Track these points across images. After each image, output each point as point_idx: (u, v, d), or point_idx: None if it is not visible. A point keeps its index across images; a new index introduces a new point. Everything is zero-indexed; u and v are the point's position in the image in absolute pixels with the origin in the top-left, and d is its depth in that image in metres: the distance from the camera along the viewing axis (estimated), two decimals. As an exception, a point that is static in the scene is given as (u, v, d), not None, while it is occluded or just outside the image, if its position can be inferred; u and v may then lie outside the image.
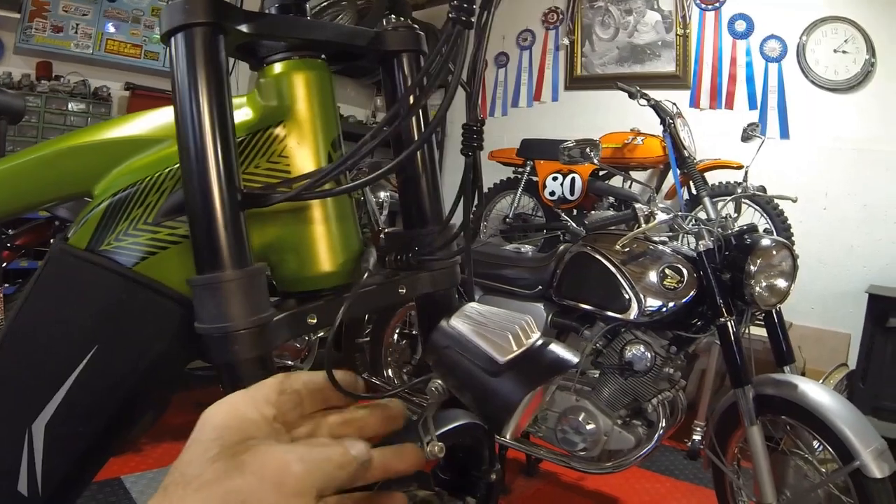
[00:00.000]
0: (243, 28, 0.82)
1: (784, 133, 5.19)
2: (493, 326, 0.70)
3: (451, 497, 0.95)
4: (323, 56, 0.93)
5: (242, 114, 0.87)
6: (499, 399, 0.67)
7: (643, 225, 2.70)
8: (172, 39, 0.77)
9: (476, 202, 0.85)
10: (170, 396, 3.43)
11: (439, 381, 0.75)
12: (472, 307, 0.73)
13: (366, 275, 0.79)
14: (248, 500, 0.50)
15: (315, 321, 0.81)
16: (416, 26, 0.99)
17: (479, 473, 1.02)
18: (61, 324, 0.90)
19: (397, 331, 3.72)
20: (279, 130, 0.87)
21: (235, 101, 0.84)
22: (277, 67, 0.90)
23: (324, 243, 0.86)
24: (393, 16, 0.99)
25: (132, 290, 0.85)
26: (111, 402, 0.88)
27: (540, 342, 0.69)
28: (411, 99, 0.84)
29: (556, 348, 0.70)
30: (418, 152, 0.93)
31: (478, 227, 1.09)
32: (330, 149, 0.89)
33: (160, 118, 0.94)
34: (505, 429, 0.70)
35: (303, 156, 0.87)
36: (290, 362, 3.59)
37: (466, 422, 0.91)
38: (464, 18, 0.71)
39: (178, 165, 0.84)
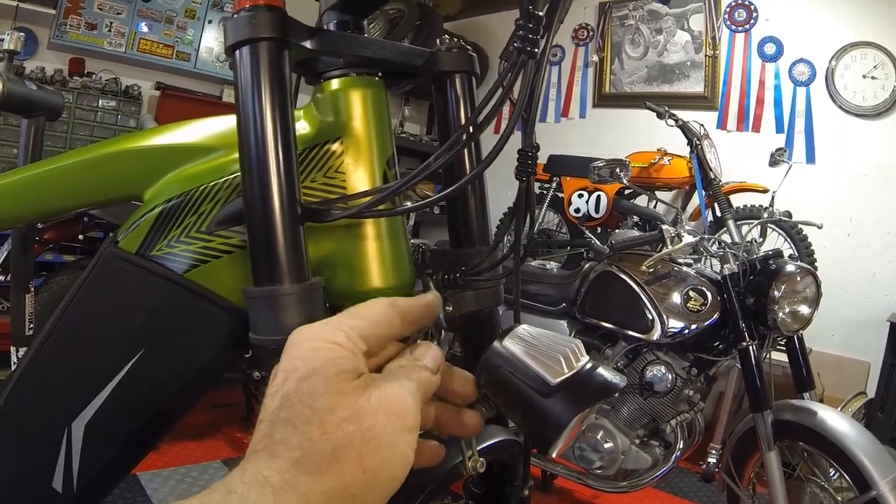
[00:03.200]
0: (306, 44, 0.84)
1: (810, 158, 5.18)
2: (545, 349, 0.71)
3: (484, 511, 0.97)
4: (379, 74, 0.95)
5: (300, 127, 0.89)
6: (550, 419, 0.69)
7: (669, 246, 2.71)
8: (238, 52, 0.78)
9: (528, 226, 0.87)
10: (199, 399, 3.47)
11: (486, 399, 0.77)
12: (524, 329, 0.75)
13: (443, 333, 0.80)
14: (378, 437, 0.53)
15: None
16: (469, 48, 1.00)
17: (513, 489, 1.04)
18: (108, 325, 0.92)
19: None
20: (336, 146, 0.89)
21: (294, 114, 0.86)
22: (335, 83, 0.91)
23: (376, 260, 0.87)
24: (447, 37, 1.01)
25: (182, 297, 0.87)
26: (152, 405, 0.90)
27: (589, 365, 0.71)
28: (472, 127, 0.85)
29: (604, 371, 0.71)
30: (474, 176, 0.95)
31: (528, 251, 1.11)
32: (385, 167, 0.90)
33: (215, 127, 0.95)
34: (553, 448, 0.72)
35: (359, 173, 0.88)
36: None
37: (505, 438, 0.93)
38: (528, 48, 0.73)
39: (233, 175, 0.86)
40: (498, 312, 1.01)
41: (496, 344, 0.72)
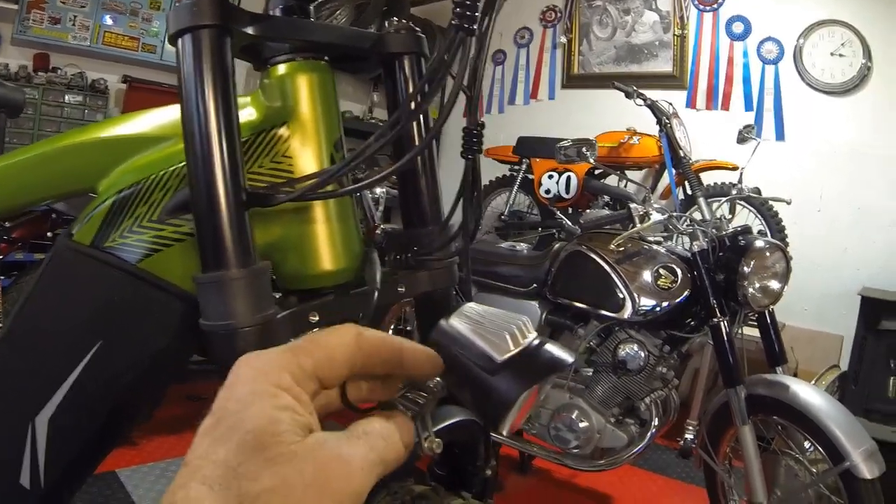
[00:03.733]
0: (249, 30, 0.83)
1: (780, 135, 5.22)
2: (491, 326, 0.71)
3: (447, 492, 0.97)
4: (326, 58, 0.94)
5: (246, 114, 0.89)
6: (496, 396, 0.69)
7: (638, 225, 2.72)
8: (180, 40, 0.78)
9: (475, 204, 0.87)
10: (164, 390, 3.44)
11: (438, 379, 0.77)
12: (471, 307, 0.75)
13: (377, 278, 0.80)
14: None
15: (317, 318, 0.83)
16: (418, 29, 1.00)
17: (475, 469, 1.04)
18: (65, 319, 0.91)
19: (392, 327, 3.72)
20: (283, 131, 0.88)
21: (239, 100, 0.85)
22: (281, 69, 0.91)
23: (325, 242, 0.87)
24: (395, 18, 1.00)
25: (136, 287, 0.86)
26: (113, 396, 0.89)
27: (536, 342, 0.71)
28: (413, 104, 0.85)
29: (552, 348, 0.71)
30: (422, 155, 0.95)
31: (476, 229, 1.09)
32: (332, 150, 0.90)
33: (164, 116, 0.95)
34: (502, 425, 0.71)
35: (306, 156, 0.88)
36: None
37: (462, 418, 0.93)
38: (466, 25, 0.73)
39: (182, 164, 0.85)
40: (452, 293, 1.00)
41: (442, 322, 0.72)
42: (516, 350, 0.69)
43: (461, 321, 0.72)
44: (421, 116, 0.96)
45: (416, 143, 0.97)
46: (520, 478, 3.55)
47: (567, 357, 0.71)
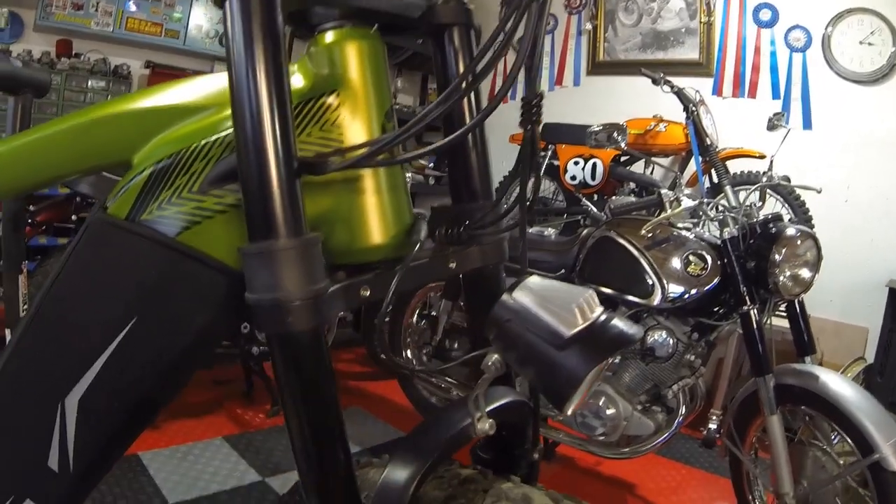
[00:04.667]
0: None
1: (807, 124, 5.15)
2: (557, 300, 0.69)
3: (495, 476, 0.94)
4: (375, 27, 0.92)
5: (294, 80, 0.87)
6: (565, 373, 0.66)
7: (668, 210, 2.69)
8: (228, 3, 0.76)
9: (532, 178, 0.84)
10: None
11: (496, 356, 0.74)
12: (534, 280, 0.72)
13: (417, 247, 0.78)
14: None
15: (368, 293, 0.80)
16: (467, 0, 0.97)
17: (522, 452, 1.01)
18: (99, 295, 0.89)
19: (416, 312, 3.71)
20: (332, 99, 0.86)
21: (289, 68, 0.83)
22: (330, 36, 0.89)
23: (376, 215, 0.85)
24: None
25: (175, 261, 0.84)
26: (148, 376, 0.87)
27: (604, 316, 0.68)
28: (469, 77, 0.82)
29: (620, 323, 0.69)
30: (473, 128, 0.93)
31: (534, 202, 1.07)
32: (384, 120, 0.88)
33: (205, 86, 0.93)
34: (568, 404, 0.69)
35: (356, 126, 0.86)
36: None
37: (513, 399, 0.90)
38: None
39: (225, 133, 0.83)
40: (502, 269, 0.98)
41: (505, 296, 0.69)
42: (584, 325, 0.66)
43: (526, 295, 0.69)
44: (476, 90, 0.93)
45: (468, 116, 0.95)
46: (544, 464, 3.52)
47: (635, 332, 0.69)
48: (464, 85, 0.80)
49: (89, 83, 5.26)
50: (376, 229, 0.85)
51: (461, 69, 0.95)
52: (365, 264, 0.86)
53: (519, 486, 0.91)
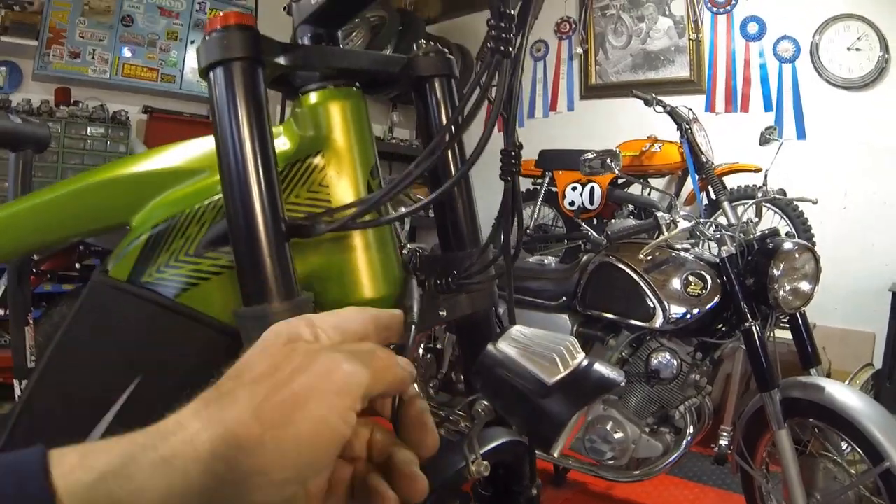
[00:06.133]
0: (280, 60, 0.84)
1: (801, 134, 5.19)
2: (539, 349, 0.71)
3: (493, 513, 0.96)
4: (357, 84, 0.94)
5: (280, 143, 0.89)
6: (548, 419, 0.68)
7: (665, 233, 2.71)
8: (212, 73, 0.78)
9: (516, 226, 0.87)
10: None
11: (485, 402, 0.77)
12: (518, 330, 0.74)
13: (412, 327, 0.80)
14: (296, 392, 0.48)
15: None
16: (447, 51, 1.00)
17: (520, 489, 1.03)
18: (104, 355, 0.91)
19: (422, 345, 3.71)
20: (318, 160, 0.89)
21: (274, 130, 0.85)
22: (313, 97, 0.91)
23: (366, 270, 0.87)
24: (423, 41, 1.00)
25: (175, 321, 0.87)
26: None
27: (585, 363, 0.70)
28: (451, 129, 0.85)
29: (601, 368, 0.71)
30: (459, 178, 0.95)
31: (518, 251, 1.08)
32: (369, 177, 0.90)
33: (196, 149, 0.95)
34: (554, 447, 0.71)
35: (343, 185, 0.88)
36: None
37: (508, 439, 0.92)
38: (503, 48, 0.72)
39: (218, 196, 0.86)
40: (493, 314, 1.00)
41: (490, 347, 0.71)
42: (566, 372, 0.68)
43: (509, 345, 0.71)
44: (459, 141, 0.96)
45: (452, 167, 0.97)
46: (555, 491, 3.53)
47: (616, 377, 0.71)
48: (446, 138, 0.83)
49: (88, 130, 5.28)
50: (367, 285, 0.87)
51: (444, 119, 0.98)
52: None
53: None
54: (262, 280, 0.75)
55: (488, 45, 0.74)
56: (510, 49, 0.73)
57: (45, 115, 5.13)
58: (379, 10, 5.88)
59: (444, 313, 0.92)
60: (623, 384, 0.73)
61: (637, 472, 2.84)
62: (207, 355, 0.87)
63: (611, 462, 2.85)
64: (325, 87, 0.91)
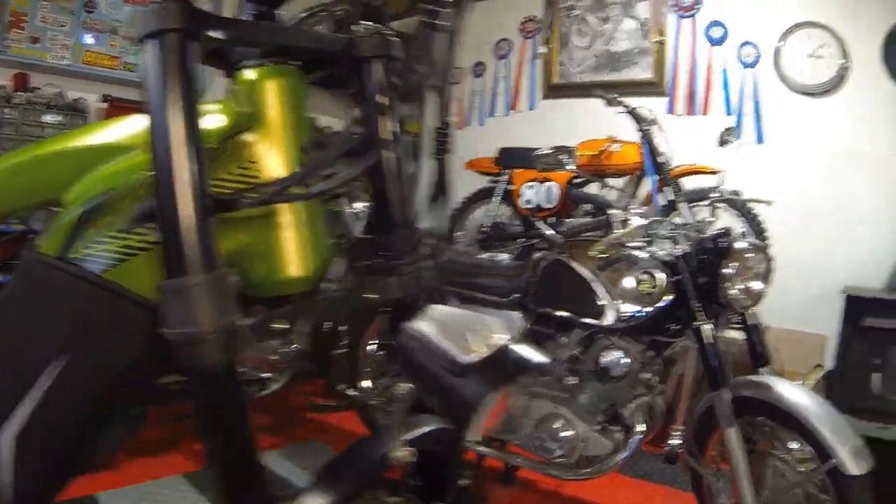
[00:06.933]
0: (216, 34, 0.82)
1: (760, 138, 5.23)
2: (457, 328, 0.70)
3: (421, 503, 0.95)
4: (296, 63, 0.93)
5: (217, 120, 0.88)
6: (461, 400, 0.68)
7: (618, 231, 2.71)
8: (146, 44, 0.77)
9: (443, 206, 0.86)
10: (146, 411, 3.38)
11: (407, 385, 0.76)
12: (438, 309, 0.74)
13: (332, 282, 0.79)
14: None
15: (284, 326, 0.82)
16: (391, 32, 0.99)
17: (450, 478, 1.02)
18: (32, 332, 0.90)
19: (374, 341, 3.70)
20: (250, 137, 0.88)
21: (211, 107, 0.84)
22: (250, 74, 0.90)
23: (292, 249, 0.86)
24: (366, 22, 0.99)
25: (102, 298, 0.85)
26: (83, 410, 0.88)
27: (505, 343, 0.70)
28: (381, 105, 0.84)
29: (522, 349, 0.70)
30: (388, 157, 0.94)
31: (446, 231, 1.07)
32: (300, 154, 0.89)
33: (132, 126, 0.94)
34: (467, 429, 0.69)
35: (273, 161, 0.87)
36: (267, 375, 3.54)
37: (436, 427, 0.91)
38: (434, 22, 0.72)
39: (151, 173, 0.84)
40: (422, 298, 0.99)
41: (406, 325, 0.71)
42: (484, 352, 0.68)
43: (427, 324, 0.71)
44: (391, 119, 0.95)
45: (385, 146, 0.96)
46: (504, 489, 3.51)
47: (535, 358, 0.71)
48: (374, 115, 0.82)
49: (45, 117, 5.22)
50: (294, 262, 0.86)
51: (382, 100, 0.97)
52: (284, 297, 0.87)
53: None
54: (184, 252, 0.74)
55: (422, 19, 0.73)
56: (445, 23, 0.73)
57: (1, 100, 5.05)
58: (345, 4, 5.85)
59: (374, 296, 0.91)
60: (545, 365, 0.72)
61: (586, 471, 2.83)
62: (134, 333, 0.86)
63: (560, 460, 2.84)
64: (262, 64, 0.90)
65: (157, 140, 0.77)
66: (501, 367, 0.68)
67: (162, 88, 0.76)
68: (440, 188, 0.83)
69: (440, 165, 0.83)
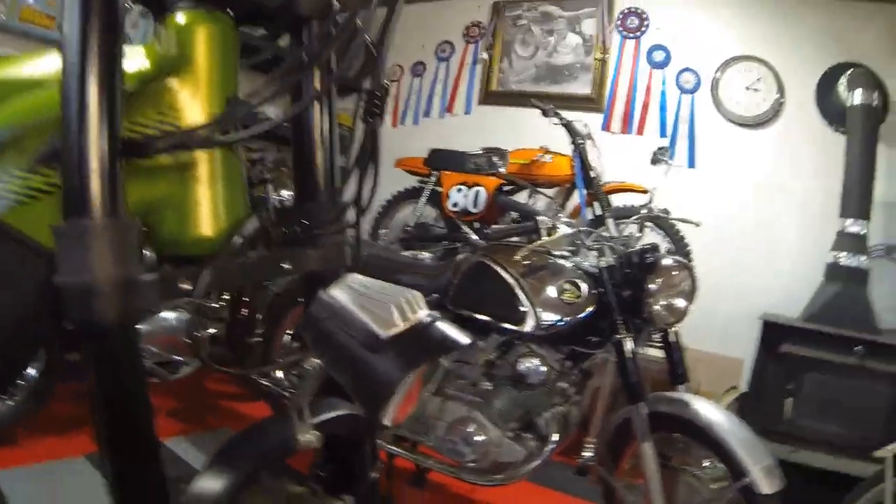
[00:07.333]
0: None
1: (691, 162, 5.34)
2: (378, 298, 0.65)
3: (326, 496, 0.89)
4: (230, 12, 0.88)
5: (138, 63, 0.83)
6: (377, 377, 0.62)
7: (545, 237, 2.69)
8: None
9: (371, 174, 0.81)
10: (53, 386, 3.26)
11: (317, 361, 0.70)
12: (357, 277, 0.68)
13: (237, 242, 0.74)
14: None
15: (190, 287, 0.75)
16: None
17: (360, 470, 0.97)
18: None
19: (290, 332, 3.63)
20: (174, 82, 0.83)
21: (133, 49, 0.79)
22: (180, 17, 0.85)
23: (207, 206, 0.81)
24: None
25: None
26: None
27: (428, 319, 0.65)
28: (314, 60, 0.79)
29: (446, 327, 0.65)
30: (316, 121, 0.88)
31: (371, 202, 1.02)
32: (226, 105, 0.84)
33: (46, 62, 0.88)
34: (383, 412, 0.64)
35: (195, 110, 0.82)
36: (179, 358, 3.45)
37: (345, 412, 0.86)
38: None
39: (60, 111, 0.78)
40: (342, 272, 0.94)
41: (321, 293, 0.65)
42: (404, 326, 0.63)
43: (343, 292, 0.65)
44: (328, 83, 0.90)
45: (322, 113, 0.91)
46: (415, 491, 3.47)
47: (461, 338, 0.66)
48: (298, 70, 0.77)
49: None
50: (207, 221, 0.81)
51: (316, 59, 0.92)
52: (196, 257, 0.81)
53: None
54: (86, 194, 0.68)
55: None
56: None
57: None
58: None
59: (289, 266, 0.85)
60: (469, 346, 0.66)
61: (498, 477, 2.80)
62: (25, 280, 0.79)
63: (472, 464, 2.81)
64: (195, 9, 0.85)
65: (67, 74, 0.71)
66: (423, 343, 0.63)
67: (79, 20, 0.70)
68: (369, 156, 0.78)
69: (370, 131, 0.77)
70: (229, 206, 0.82)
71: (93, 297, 0.67)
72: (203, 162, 0.80)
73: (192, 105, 0.82)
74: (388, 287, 0.67)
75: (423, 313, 0.65)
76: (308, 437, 0.71)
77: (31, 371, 3.15)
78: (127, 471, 0.73)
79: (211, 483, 0.73)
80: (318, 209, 0.88)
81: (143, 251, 0.74)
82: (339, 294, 0.65)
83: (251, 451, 0.77)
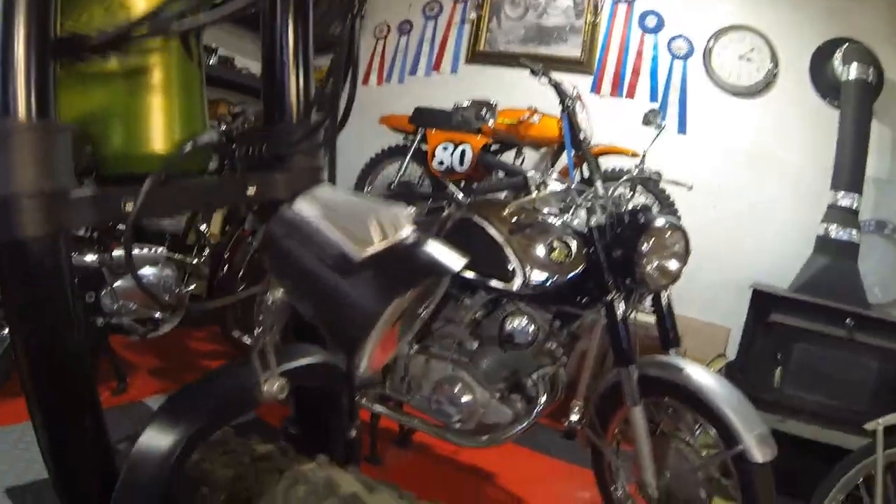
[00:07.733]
0: None
1: (682, 128, 5.29)
2: (353, 213, 0.53)
3: (298, 455, 0.79)
4: None
5: None
6: (351, 307, 0.51)
7: (534, 193, 2.61)
8: None
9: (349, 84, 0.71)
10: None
11: (279, 292, 0.59)
12: (326, 189, 0.57)
13: (187, 148, 0.63)
14: None
15: (131, 207, 0.64)
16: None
17: (337, 428, 0.86)
18: None
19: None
20: None
21: None
22: None
23: (159, 117, 0.70)
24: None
25: None
26: None
27: (413, 238, 0.53)
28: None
29: (434, 247, 0.54)
30: (287, 33, 0.78)
31: (347, 117, 0.93)
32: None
33: None
34: (360, 354, 0.55)
35: (145, 8, 0.70)
36: (157, 315, 3.35)
37: (319, 360, 0.75)
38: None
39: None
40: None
41: (284, 207, 0.54)
42: (384, 246, 0.51)
43: (310, 205, 0.53)
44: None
45: (291, 31, 0.80)
46: (399, 452, 3.43)
47: (453, 261, 0.54)
48: None
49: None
50: (158, 135, 0.70)
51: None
52: (142, 176, 0.69)
53: (325, 468, 0.75)
54: (12, 92, 0.58)
55: None
56: None
57: None
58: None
59: (253, 191, 0.74)
60: (457, 270, 0.55)
61: (484, 438, 2.76)
62: None
63: (457, 425, 2.76)
64: None
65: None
66: (406, 266, 0.51)
67: None
68: (345, 57, 0.68)
69: (349, 28, 0.67)
70: (185, 119, 0.72)
71: (15, 209, 0.57)
72: (157, 68, 0.70)
73: (146, 5, 0.71)
74: (363, 201, 0.55)
75: (408, 230, 0.53)
76: (273, 387, 0.59)
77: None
78: (62, 427, 0.63)
79: (156, 441, 0.62)
80: (286, 128, 0.77)
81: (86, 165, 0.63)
82: (305, 208, 0.53)
83: (206, 402, 0.66)
